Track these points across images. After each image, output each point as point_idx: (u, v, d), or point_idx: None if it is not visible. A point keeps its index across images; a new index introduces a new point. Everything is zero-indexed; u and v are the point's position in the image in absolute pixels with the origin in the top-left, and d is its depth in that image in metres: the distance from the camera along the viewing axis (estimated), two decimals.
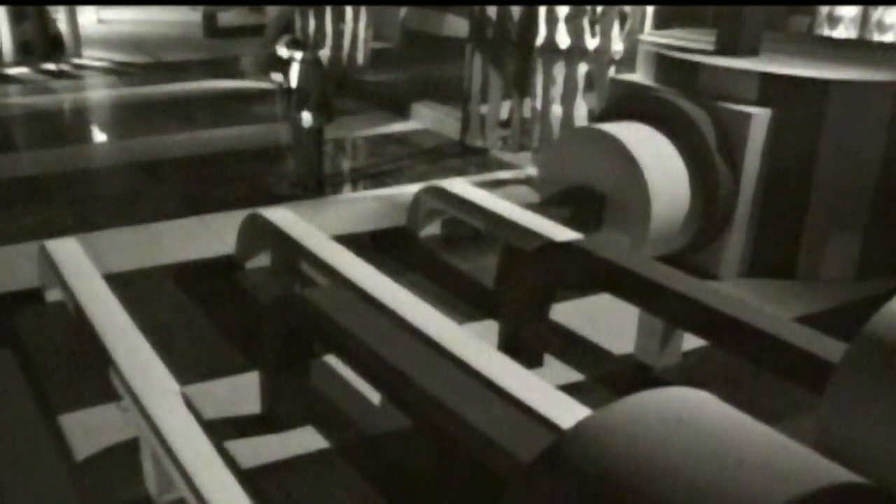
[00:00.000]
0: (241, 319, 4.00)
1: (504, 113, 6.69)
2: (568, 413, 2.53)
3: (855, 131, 4.31)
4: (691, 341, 3.74)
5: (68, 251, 3.92)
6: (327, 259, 3.81)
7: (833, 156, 4.34)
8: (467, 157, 6.60)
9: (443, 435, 2.27)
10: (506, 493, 1.70)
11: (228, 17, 11.72)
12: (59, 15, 9.68)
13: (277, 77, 5.56)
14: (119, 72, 9.24)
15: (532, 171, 6.19)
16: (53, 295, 4.09)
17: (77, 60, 9.59)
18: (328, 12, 8.96)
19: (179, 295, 4.24)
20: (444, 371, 2.45)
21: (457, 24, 10.97)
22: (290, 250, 4.12)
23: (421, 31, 11.36)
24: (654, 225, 4.31)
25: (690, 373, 3.64)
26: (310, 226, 4.21)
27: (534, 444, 2.10)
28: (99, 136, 7.06)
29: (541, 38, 5.92)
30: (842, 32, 9.34)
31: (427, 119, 7.47)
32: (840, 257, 4.51)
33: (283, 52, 5.31)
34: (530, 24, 6.09)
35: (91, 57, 9.80)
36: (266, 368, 3.16)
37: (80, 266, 3.75)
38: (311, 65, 5.24)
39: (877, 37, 9.23)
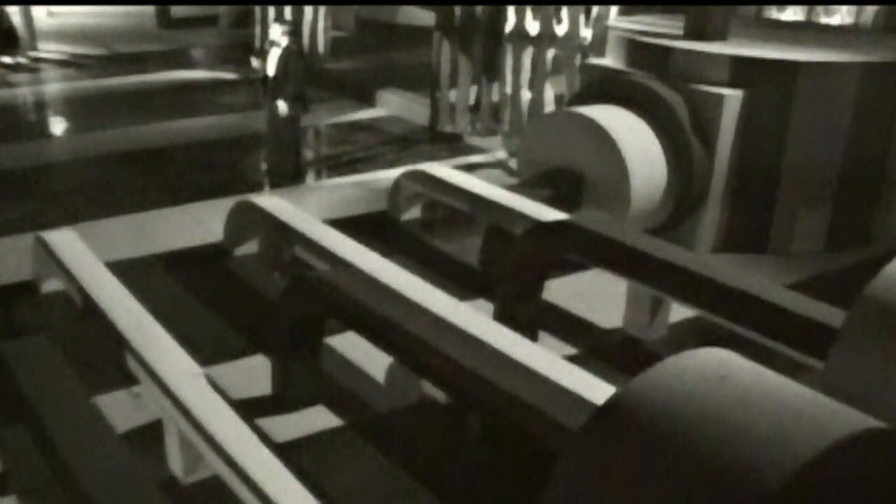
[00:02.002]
0: (239, 304, 4.09)
1: (471, 99, 6.82)
2: (582, 381, 2.67)
3: (823, 111, 4.51)
4: (675, 314, 3.91)
5: (67, 241, 3.96)
6: (324, 243, 3.91)
7: (803, 134, 4.53)
8: (437, 142, 6.72)
9: (477, 406, 2.39)
10: (559, 455, 1.82)
11: (182, 8, 11.67)
12: (13, 8, 9.59)
13: (257, 64, 5.61)
14: (78, 64, 9.18)
15: (502, 154, 6.33)
16: (50, 286, 4.13)
17: (33, 53, 9.50)
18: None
19: (172, 283, 4.30)
20: (469, 345, 2.58)
21: (412, 13, 11.06)
22: (283, 235, 4.21)
23: (375, 20, 11.42)
24: (632, 203, 4.47)
25: (679, 343, 3.80)
26: (301, 211, 4.31)
27: (567, 411, 2.24)
28: (67, 129, 7.03)
29: (510, 25, 6.05)
30: (790, 15, 9.61)
31: (393, 106, 7.57)
32: (810, 231, 4.72)
33: (276, 34, 5.34)
34: (499, 11, 6.22)
35: (47, 50, 9.72)
36: (277, 350, 3.26)
37: (82, 256, 3.80)
38: (291, 54, 5.31)
39: (824, 19, 9.50)
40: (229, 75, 8.77)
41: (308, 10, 8.92)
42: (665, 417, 1.74)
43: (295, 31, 5.48)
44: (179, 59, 9.65)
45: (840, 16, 9.64)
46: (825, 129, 4.54)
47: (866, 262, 4.74)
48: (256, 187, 5.67)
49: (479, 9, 6.41)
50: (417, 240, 4.88)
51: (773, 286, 3.09)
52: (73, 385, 2.63)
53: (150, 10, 11.54)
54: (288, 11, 8.69)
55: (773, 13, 9.72)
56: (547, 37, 5.87)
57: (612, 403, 1.83)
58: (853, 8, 9.40)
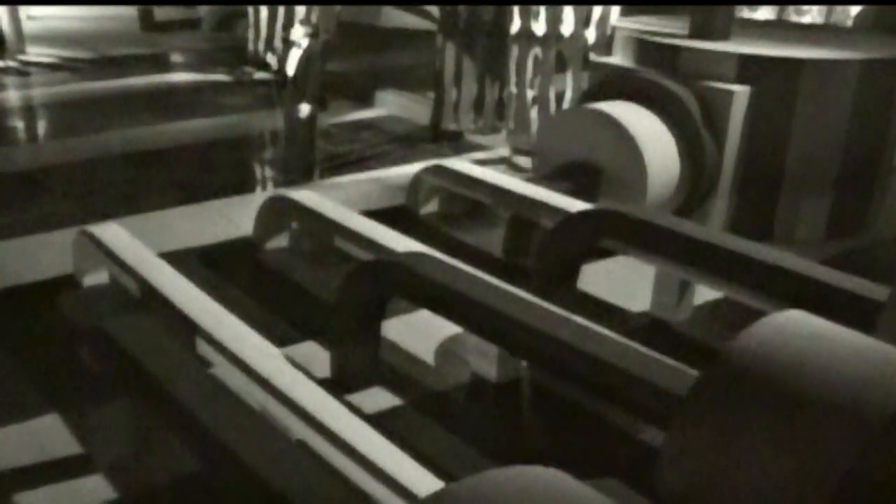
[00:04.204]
0: (277, 295, 4.26)
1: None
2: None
3: (825, 105, 4.78)
4: (699, 296, 4.17)
5: (116, 235, 4.08)
6: (366, 233, 4.09)
7: (805, 128, 4.80)
8: (440, 140, 6.92)
9: (562, 375, 2.60)
10: (677, 409, 2.03)
11: (165, 11, 11.76)
12: None
13: (273, 63, 5.77)
14: (69, 68, 9.25)
15: (505, 151, 6.56)
16: (94, 279, 4.25)
17: (22, 57, 9.54)
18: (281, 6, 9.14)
19: (210, 276, 4.45)
20: (544, 316, 2.78)
21: (394, 15, 11.26)
22: (321, 227, 4.38)
23: (356, 23, 11.57)
24: (649, 195, 4.70)
25: (705, 323, 4.05)
26: (337, 204, 4.48)
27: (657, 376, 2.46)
28: (71, 131, 7.10)
29: (516, 26, 6.28)
30: (761, 14, 9.95)
31: (392, 105, 7.75)
32: (812, 220, 4.98)
33: (297, 35, 5.51)
34: (502, 12, 6.47)
35: (34, 53, 9.77)
36: (337, 333, 3.45)
37: (135, 247, 3.94)
38: (313, 55, 5.48)
39: (794, 18, 9.86)
40: (222, 77, 8.88)
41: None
42: (771, 370, 1.96)
43: (315, 34, 5.66)
44: (170, 62, 9.77)
45: (811, 16, 10.00)
46: (826, 123, 4.81)
47: (864, 249, 5.03)
48: (271, 185, 5.85)
49: (482, 9, 6.63)
50: (441, 232, 5.06)
51: (812, 263, 3.32)
52: (192, 357, 2.79)
53: (131, 13, 11.61)
54: (281, 12, 8.83)
55: (745, 12, 10.06)
56: (553, 37, 6.11)
57: (720, 362, 2.04)
58: (823, 8, 9.74)
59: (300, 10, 8.65)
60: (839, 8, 9.50)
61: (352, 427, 2.64)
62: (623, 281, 4.41)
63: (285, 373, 2.94)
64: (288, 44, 5.57)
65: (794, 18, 9.93)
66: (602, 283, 4.40)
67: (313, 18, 8.53)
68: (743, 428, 1.92)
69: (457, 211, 5.28)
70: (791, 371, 1.93)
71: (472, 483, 1.57)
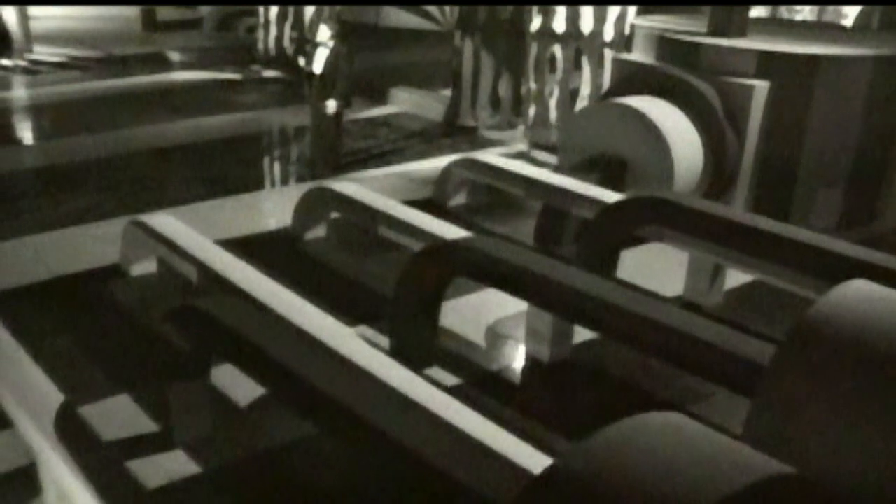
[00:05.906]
0: (329, 282, 4.42)
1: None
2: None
3: (839, 100, 4.99)
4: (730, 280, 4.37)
5: (171, 224, 4.21)
6: (414, 221, 4.24)
7: (821, 121, 5.01)
8: (456, 136, 7.11)
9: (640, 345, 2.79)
10: (767, 369, 2.21)
11: (167, 11, 11.88)
12: (5, 10, 9.69)
13: (302, 62, 5.94)
14: (77, 66, 9.35)
15: (522, 146, 6.76)
16: (142, 268, 4.38)
17: (30, 56, 9.63)
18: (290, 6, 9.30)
19: (256, 265, 4.59)
20: (625, 295, 2.97)
21: (394, 15, 11.43)
22: (366, 217, 4.53)
23: (357, 22, 11.73)
24: (675, 186, 4.90)
25: (737, 306, 4.25)
26: (381, 195, 4.65)
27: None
28: (98, 127, 7.21)
29: (536, 25, 6.47)
30: (754, 13, 10.23)
31: (405, 102, 7.93)
32: (826, 210, 5.20)
33: (324, 36, 5.68)
34: (521, 10, 6.67)
35: (41, 52, 9.85)
36: (396, 316, 3.61)
37: (193, 235, 4.08)
38: (341, 54, 5.64)
39: (786, 16, 10.13)
40: (231, 76, 9.04)
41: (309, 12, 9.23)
42: (849, 333, 2.15)
43: (343, 34, 5.83)
44: (178, 60, 9.90)
45: (802, 15, 10.27)
46: (841, 117, 5.03)
47: (876, 238, 5.25)
48: (299, 179, 6.00)
49: (500, 8, 6.84)
50: (470, 222, 5.22)
51: (849, 244, 3.53)
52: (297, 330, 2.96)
53: (129, 13, 11.72)
54: (291, 11, 9.00)
55: None
56: (572, 35, 6.31)
57: (800, 329, 2.23)
58: (815, 7, 10.02)
59: (309, 10, 8.84)
60: (831, 7, 9.78)
61: (429, 395, 2.79)
62: (656, 267, 4.60)
63: (359, 349, 3.09)
64: (313, 44, 5.74)
65: (786, 17, 10.20)
66: (636, 269, 4.58)
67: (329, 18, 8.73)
68: (828, 390, 2.11)
69: (484, 203, 5.46)
70: (869, 333, 2.11)
71: (613, 432, 1.74)
